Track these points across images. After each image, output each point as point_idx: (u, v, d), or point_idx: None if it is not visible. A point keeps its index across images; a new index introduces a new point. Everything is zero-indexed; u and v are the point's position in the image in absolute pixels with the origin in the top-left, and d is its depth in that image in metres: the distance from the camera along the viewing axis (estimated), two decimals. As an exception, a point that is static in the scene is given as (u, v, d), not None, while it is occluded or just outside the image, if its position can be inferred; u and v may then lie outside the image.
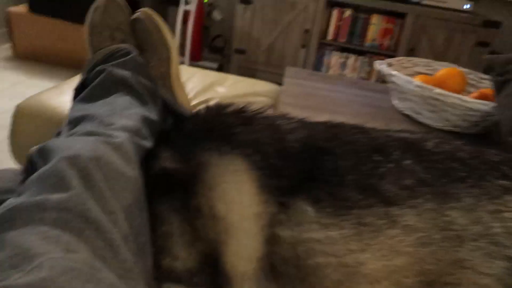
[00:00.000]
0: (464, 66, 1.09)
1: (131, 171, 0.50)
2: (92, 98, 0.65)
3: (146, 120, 0.62)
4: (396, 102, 1.08)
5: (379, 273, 0.48)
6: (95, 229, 0.40)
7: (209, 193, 0.52)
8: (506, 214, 0.47)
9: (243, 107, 0.60)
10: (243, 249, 0.51)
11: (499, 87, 0.85)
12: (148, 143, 0.58)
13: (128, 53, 0.72)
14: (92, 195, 0.43)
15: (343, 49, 2.65)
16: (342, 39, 2.63)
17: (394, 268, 0.48)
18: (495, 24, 2.36)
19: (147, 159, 0.57)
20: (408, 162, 0.52)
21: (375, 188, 0.50)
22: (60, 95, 0.99)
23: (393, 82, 0.99)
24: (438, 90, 0.88)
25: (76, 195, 0.41)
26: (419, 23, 2.43)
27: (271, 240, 0.50)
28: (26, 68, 2.40)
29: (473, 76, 1.12)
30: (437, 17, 2.40)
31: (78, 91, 0.71)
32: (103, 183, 0.45)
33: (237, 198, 0.51)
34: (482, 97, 0.97)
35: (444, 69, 1.04)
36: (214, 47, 3.01)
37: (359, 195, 0.50)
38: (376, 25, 2.56)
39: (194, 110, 0.62)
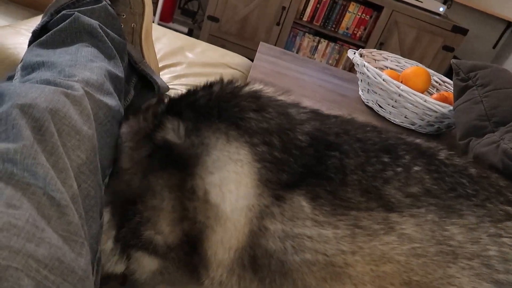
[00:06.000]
0: (426, 67, 1.13)
1: (88, 129, 0.47)
2: (54, 44, 0.60)
3: (110, 76, 0.59)
4: (362, 93, 1.10)
5: (365, 276, 0.47)
6: (42, 186, 0.37)
7: (207, 178, 0.50)
8: (505, 240, 0.47)
9: (258, 91, 0.58)
10: (227, 238, 0.50)
11: (459, 92, 0.89)
12: (110, 100, 0.56)
13: (98, 1, 0.67)
14: (43, 149, 0.40)
15: (316, 33, 2.65)
16: (317, 23, 2.63)
17: (381, 274, 0.47)
18: (463, 31, 2.45)
19: (152, 126, 0.54)
20: (417, 168, 0.51)
21: (378, 192, 0.49)
22: (15, 35, 0.92)
23: (362, 73, 1.01)
24: (403, 87, 0.91)
25: (25, 147, 0.38)
26: (393, 18, 2.47)
27: (258, 232, 0.49)
28: (-23, 0, 2.19)
29: (436, 78, 1.16)
30: (411, 15, 2.45)
31: (37, 34, 0.65)
32: (57, 138, 0.42)
33: (234, 189, 0.49)
34: (442, 99, 1.01)
35: (411, 67, 1.07)
36: (186, 10, 2.91)
37: (361, 197, 0.49)
38: (352, 14, 2.57)
39: (208, 81, 0.58)
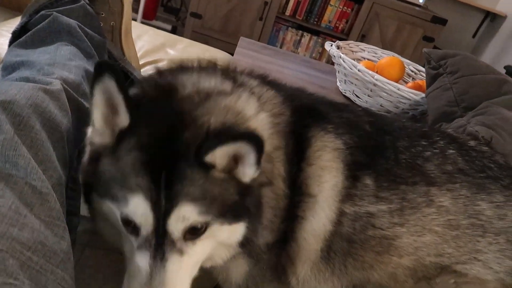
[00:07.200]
0: (408, 58, 1.16)
1: (67, 123, 0.49)
2: (33, 44, 0.62)
3: (89, 75, 0.61)
4: (339, 84, 1.13)
5: (408, 247, 0.54)
6: (23, 176, 0.39)
7: (308, 169, 0.54)
8: None
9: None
10: (318, 226, 0.53)
11: (431, 79, 0.92)
12: (87, 101, 0.57)
13: (77, 0, 0.69)
14: (24, 141, 0.42)
15: (298, 27, 2.68)
16: (299, 17, 2.65)
17: (421, 245, 0.54)
18: (442, 21, 2.50)
19: (292, 125, 0.56)
20: (451, 151, 0.60)
21: (421, 168, 0.57)
22: (-4, 37, 0.93)
23: (339, 64, 1.04)
24: (378, 77, 0.94)
25: (6, 140, 0.40)
26: (374, 10, 2.50)
27: (338, 218, 0.54)
28: (-43, 3, 2.17)
29: (412, 67, 1.20)
30: (392, 7, 2.49)
31: (17, 34, 0.67)
32: (37, 131, 0.44)
33: (328, 178, 0.54)
34: (416, 87, 1.04)
35: (386, 58, 1.10)
36: (169, 8, 2.91)
37: (408, 173, 0.56)
38: (334, 7, 2.60)
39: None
